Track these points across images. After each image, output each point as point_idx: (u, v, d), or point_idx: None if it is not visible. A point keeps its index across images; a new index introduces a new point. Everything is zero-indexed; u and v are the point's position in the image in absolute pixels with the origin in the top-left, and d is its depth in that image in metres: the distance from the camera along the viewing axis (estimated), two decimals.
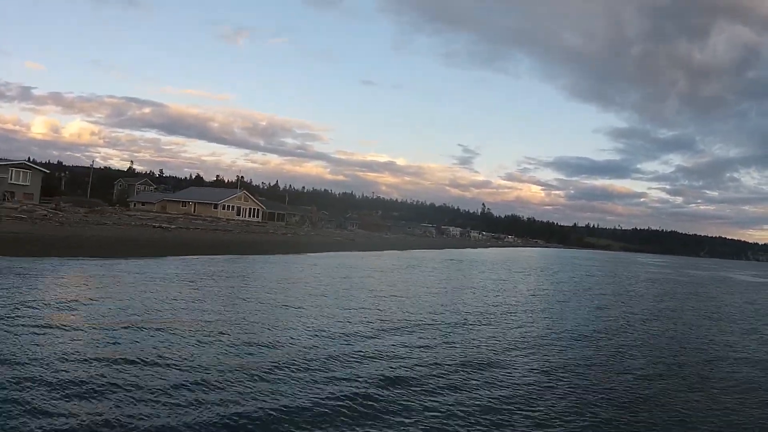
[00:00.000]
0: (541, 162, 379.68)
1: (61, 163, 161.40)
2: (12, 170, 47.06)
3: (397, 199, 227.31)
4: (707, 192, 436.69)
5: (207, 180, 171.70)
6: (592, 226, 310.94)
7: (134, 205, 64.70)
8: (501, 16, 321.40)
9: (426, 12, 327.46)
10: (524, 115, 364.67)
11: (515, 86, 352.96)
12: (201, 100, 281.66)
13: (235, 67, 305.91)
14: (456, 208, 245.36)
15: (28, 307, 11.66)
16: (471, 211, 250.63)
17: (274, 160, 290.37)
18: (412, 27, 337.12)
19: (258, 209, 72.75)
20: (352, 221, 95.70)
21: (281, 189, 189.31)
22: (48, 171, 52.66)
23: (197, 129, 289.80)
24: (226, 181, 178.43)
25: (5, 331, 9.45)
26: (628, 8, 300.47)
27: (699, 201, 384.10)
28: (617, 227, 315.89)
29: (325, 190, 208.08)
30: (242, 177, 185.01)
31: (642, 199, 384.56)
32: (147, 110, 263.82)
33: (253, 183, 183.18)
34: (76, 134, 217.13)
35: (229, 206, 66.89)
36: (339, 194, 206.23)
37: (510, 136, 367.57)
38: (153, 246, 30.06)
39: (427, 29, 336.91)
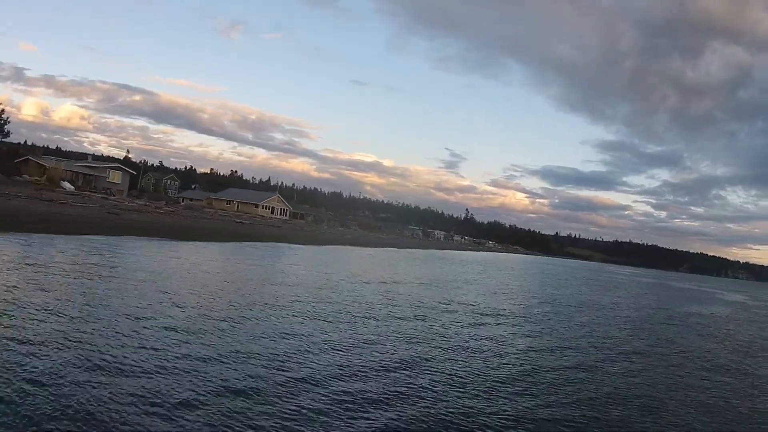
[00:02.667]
0: (527, 170, 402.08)
1: (59, 148, 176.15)
2: (109, 171, 64.64)
3: (383, 201, 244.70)
4: (692, 208, 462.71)
5: (199, 171, 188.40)
6: (574, 236, 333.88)
7: (182, 201, 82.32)
8: (495, 24, 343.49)
9: (421, 15, 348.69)
10: (513, 122, 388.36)
11: (506, 93, 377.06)
12: (191, 91, 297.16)
13: (227, 60, 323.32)
14: (440, 212, 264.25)
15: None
16: (455, 216, 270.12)
17: (262, 154, 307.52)
18: (407, 30, 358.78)
19: (286, 209, 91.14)
20: (350, 221, 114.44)
21: (272, 185, 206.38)
22: (135, 172, 70.24)
23: (186, 119, 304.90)
24: (220, 174, 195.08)
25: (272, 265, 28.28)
26: (623, 23, 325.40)
27: (683, 217, 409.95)
28: (599, 239, 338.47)
29: (315, 188, 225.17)
30: (235, 171, 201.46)
31: (626, 212, 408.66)
32: (137, 97, 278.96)
33: (245, 177, 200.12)
34: (65, 118, 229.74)
35: (267, 206, 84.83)
36: (328, 193, 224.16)
37: (498, 143, 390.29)
38: (243, 235, 48.40)
39: (422, 33, 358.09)
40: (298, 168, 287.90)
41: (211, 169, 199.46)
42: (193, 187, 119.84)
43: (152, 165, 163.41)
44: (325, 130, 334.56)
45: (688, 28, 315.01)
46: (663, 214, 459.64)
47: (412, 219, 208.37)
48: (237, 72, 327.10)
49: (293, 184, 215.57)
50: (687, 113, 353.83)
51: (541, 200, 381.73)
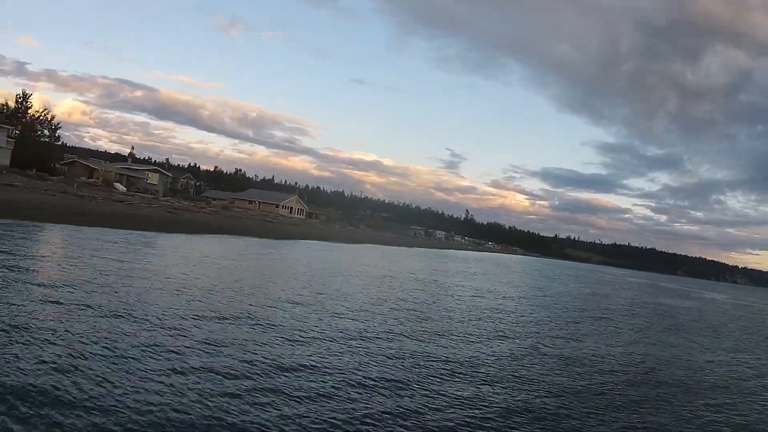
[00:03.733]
0: (527, 171, 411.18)
1: (65, 144, 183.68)
2: (148, 173, 73.14)
3: (384, 200, 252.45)
4: (692, 212, 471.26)
5: (203, 170, 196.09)
6: (573, 238, 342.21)
7: (209, 200, 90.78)
8: (496, 24, 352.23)
9: (421, 15, 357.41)
10: (513, 123, 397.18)
11: (506, 94, 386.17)
12: (192, 87, 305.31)
13: (227, 58, 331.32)
14: (440, 212, 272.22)
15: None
16: (455, 216, 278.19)
17: (262, 151, 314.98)
18: (407, 29, 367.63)
19: (303, 209, 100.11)
20: (357, 221, 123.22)
21: (274, 183, 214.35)
22: (170, 175, 78.77)
23: (187, 116, 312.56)
24: (225, 172, 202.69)
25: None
26: (623, 25, 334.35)
27: (683, 221, 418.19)
28: (597, 241, 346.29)
29: (318, 187, 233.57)
30: (239, 169, 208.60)
31: (626, 215, 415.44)
32: (139, 93, 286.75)
33: (247, 175, 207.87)
34: (66, 113, 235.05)
35: (286, 206, 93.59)
36: (331, 192, 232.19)
37: (498, 144, 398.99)
38: (285, 233, 56.96)
39: (422, 32, 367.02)
40: (298, 166, 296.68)
41: (216, 167, 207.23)
42: (197, 183, 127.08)
43: (155, 161, 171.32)
44: (326, 128, 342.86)
45: (689, 30, 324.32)
46: (663, 217, 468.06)
47: (412, 219, 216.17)
48: (237, 69, 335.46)
49: (297, 183, 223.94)
50: (687, 116, 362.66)
51: (541, 201, 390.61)
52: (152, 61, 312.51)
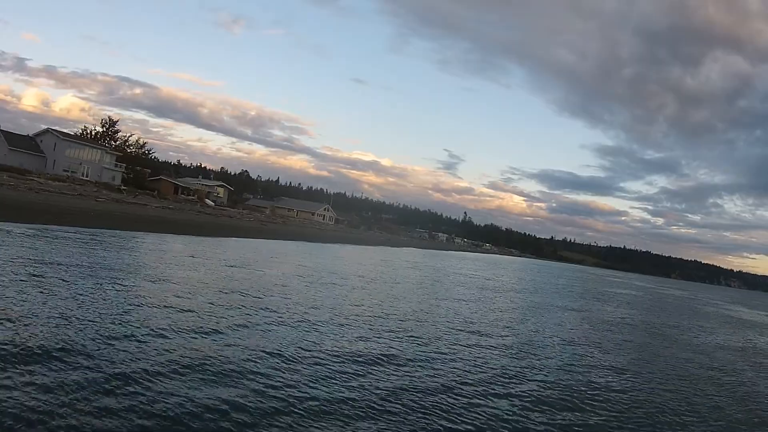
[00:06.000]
0: (525, 173, 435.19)
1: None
2: (216, 187, 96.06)
3: (384, 202, 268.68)
4: (689, 216, 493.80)
5: (208, 169, 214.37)
6: (569, 240, 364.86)
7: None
8: (497, 28, 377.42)
9: (423, 17, 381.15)
10: (512, 125, 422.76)
11: (505, 96, 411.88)
12: (191, 85, 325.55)
13: (228, 55, 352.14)
14: (439, 214, 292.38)
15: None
16: (453, 218, 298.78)
17: (260, 150, 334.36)
18: (408, 30, 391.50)
19: (333, 216, 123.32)
20: (371, 224, 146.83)
21: (281, 184, 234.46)
22: (232, 188, 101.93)
23: (186, 113, 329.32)
24: (232, 173, 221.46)
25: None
26: (624, 31, 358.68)
27: (680, 224, 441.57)
28: (593, 244, 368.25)
29: (320, 189, 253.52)
30: (245, 170, 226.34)
31: (623, 218, 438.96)
32: (138, 91, 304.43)
33: (251, 175, 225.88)
34: (65, 109, 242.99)
35: (320, 214, 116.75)
36: (333, 194, 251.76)
37: (496, 145, 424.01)
38: (332, 238, 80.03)
39: (423, 34, 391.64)
40: (295, 165, 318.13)
41: (222, 167, 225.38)
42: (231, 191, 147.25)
43: (156, 160, 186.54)
44: (324, 127, 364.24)
45: (689, 37, 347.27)
46: (660, 220, 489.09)
47: (411, 220, 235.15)
48: (237, 67, 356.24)
49: (299, 184, 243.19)
50: (686, 121, 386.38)
51: (539, 203, 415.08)
52: (153, 57, 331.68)
